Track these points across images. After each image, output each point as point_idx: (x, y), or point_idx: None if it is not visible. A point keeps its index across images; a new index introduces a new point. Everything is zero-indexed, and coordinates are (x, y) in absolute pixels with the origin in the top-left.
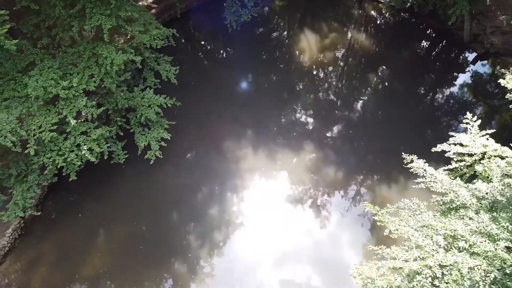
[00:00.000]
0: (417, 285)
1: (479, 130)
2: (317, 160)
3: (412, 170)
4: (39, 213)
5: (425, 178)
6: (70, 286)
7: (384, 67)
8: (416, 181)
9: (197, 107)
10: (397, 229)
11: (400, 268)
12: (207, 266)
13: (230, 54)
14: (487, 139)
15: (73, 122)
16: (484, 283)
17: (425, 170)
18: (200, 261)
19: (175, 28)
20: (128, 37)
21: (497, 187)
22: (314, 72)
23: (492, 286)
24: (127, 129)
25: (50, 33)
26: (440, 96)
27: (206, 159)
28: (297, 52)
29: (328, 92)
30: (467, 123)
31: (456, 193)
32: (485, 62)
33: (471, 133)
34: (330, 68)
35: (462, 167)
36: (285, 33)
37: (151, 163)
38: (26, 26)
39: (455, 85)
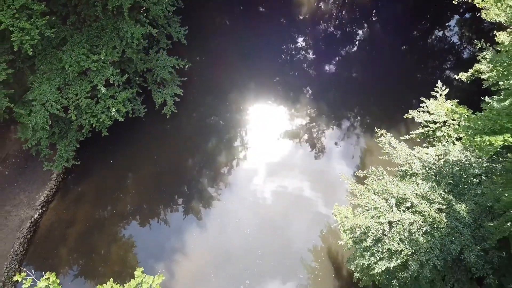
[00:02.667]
0: (371, 234)
1: (445, 99)
2: (312, 96)
3: (380, 144)
4: (78, 162)
5: (389, 150)
6: (108, 219)
7: (375, 17)
8: (383, 151)
9: (205, 62)
10: (362, 194)
11: (359, 225)
12: (214, 193)
13: (233, 8)
14: (452, 105)
15: (103, 89)
16: (418, 234)
17: (390, 144)
18: (209, 191)
19: None
20: (144, 9)
21: (440, 162)
22: (311, 23)
23: (424, 235)
24: (145, 87)
25: (76, 10)
26: (427, 45)
27: (214, 110)
28: (297, 6)
29: (321, 43)
30: (436, 91)
31: (410, 165)
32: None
33: (437, 99)
34: (325, 18)
35: (427, 132)
36: None
37: (167, 117)
38: (56, 6)
39: (442, 36)
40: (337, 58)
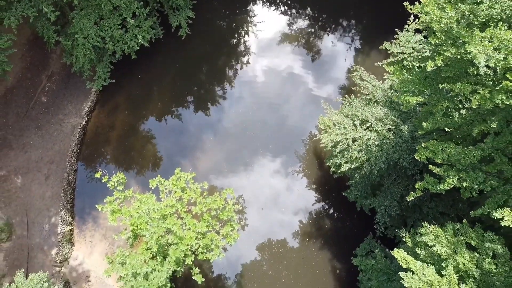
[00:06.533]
0: (339, 146)
1: (414, 33)
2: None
3: (354, 78)
4: (113, 80)
5: (360, 84)
6: (140, 124)
7: None
8: (357, 82)
9: None
10: (336, 116)
11: (331, 139)
12: (220, 91)
13: None
14: (424, 36)
15: (132, 21)
16: (372, 146)
17: (360, 76)
18: (222, 97)
19: None
20: None
21: (392, 93)
22: None
23: (376, 147)
24: (161, 11)
25: None
26: None
27: (224, 30)
28: None
29: None
30: (408, 25)
31: (374, 95)
32: None
33: (408, 31)
34: None
35: (396, 60)
36: None
37: (182, 38)
38: None
39: None
40: None
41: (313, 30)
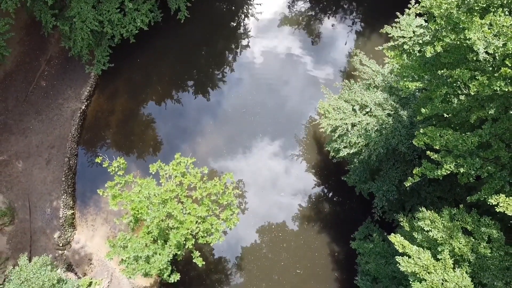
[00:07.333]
0: (338, 131)
1: (415, 17)
2: None
3: (353, 63)
4: (112, 64)
5: (359, 69)
6: (140, 108)
7: None
8: (356, 67)
9: None
10: (336, 101)
11: (330, 124)
12: (219, 74)
13: None
14: (424, 20)
15: (130, 5)
16: (372, 131)
17: (360, 61)
18: (216, 74)
19: None
20: None
21: (392, 77)
22: None
23: (375, 132)
24: None
25: None
26: None
27: (223, 13)
28: None
29: None
30: (409, 9)
31: (374, 80)
32: None
33: (408, 15)
34: None
35: (396, 45)
36: None
37: (182, 21)
38: None
39: None
40: None
41: (313, 12)
